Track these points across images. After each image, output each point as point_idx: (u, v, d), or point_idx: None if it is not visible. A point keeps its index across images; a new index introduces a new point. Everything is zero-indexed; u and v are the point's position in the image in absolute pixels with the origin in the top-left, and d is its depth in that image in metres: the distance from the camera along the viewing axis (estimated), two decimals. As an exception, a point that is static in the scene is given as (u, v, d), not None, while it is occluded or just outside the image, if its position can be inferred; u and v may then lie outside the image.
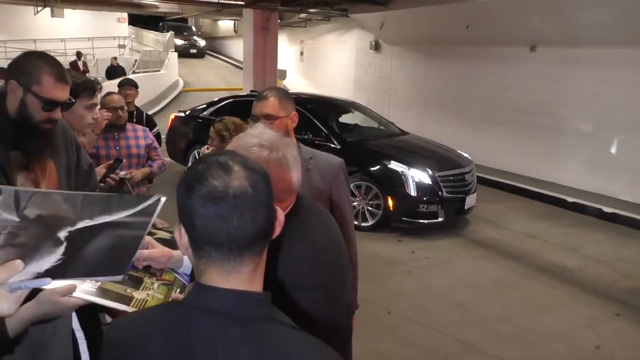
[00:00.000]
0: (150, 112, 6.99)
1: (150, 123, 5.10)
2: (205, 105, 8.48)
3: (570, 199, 7.69)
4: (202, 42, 29.02)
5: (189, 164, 3.90)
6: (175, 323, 0.94)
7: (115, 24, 21.77)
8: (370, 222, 6.27)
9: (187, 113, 8.58)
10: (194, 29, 30.69)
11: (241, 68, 15.32)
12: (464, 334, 4.00)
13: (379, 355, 3.67)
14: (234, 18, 21.87)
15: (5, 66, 1.96)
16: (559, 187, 8.24)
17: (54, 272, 0.93)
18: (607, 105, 7.79)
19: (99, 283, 1.30)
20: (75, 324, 2.11)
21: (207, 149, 3.44)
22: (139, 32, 25.87)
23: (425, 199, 6.09)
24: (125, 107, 3.79)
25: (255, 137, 1.34)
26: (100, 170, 2.99)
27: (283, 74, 14.54)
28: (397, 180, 6.13)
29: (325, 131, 6.79)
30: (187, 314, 0.94)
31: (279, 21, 12.91)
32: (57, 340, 1.87)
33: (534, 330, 4.12)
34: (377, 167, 6.33)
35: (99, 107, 2.61)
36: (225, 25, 29.92)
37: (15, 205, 0.91)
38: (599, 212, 7.28)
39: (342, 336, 1.48)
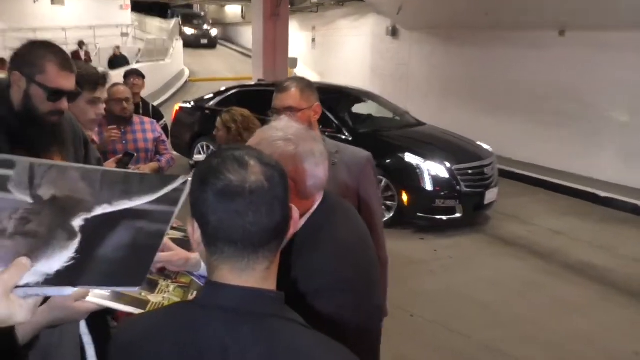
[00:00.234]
0: (155, 104, 6.98)
1: (157, 115, 5.10)
2: (211, 95, 8.48)
3: (602, 194, 7.57)
4: (213, 31, 28.64)
5: (195, 158, 3.88)
6: (184, 322, 0.95)
7: (117, 12, 21.85)
8: (385, 217, 6.24)
9: (192, 104, 8.59)
10: (205, 16, 30.39)
11: (250, 56, 15.31)
12: (490, 337, 3.97)
13: (400, 360, 3.64)
14: (241, 3, 21.87)
15: (5, 56, 1.94)
16: (588, 180, 8.12)
17: (64, 276, 0.86)
18: (641, 92, 7.66)
19: None
20: (83, 327, 2.11)
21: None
22: (142, 20, 25.90)
23: (442, 193, 6.05)
24: (131, 99, 3.78)
25: (280, 131, 1.34)
26: (110, 165, 2.97)
27: (294, 62, 14.51)
28: (412, 174, 6.08)
29: (336, 122, 6.73)
30: (197, 312, 0.96)
31: (289, 6, 12.84)
32: (64, 345, 1.86)
33: (563, 333, 4.07)
34: (391, 159, 6.28)
35: (103, 102, 2.52)
36: (233, 11, 29.91)
37: (29, 182, 0.88)
38: (633, 207, 7.17)
39: (370, 343, 1.46)
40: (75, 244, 0.87)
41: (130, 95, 3.76)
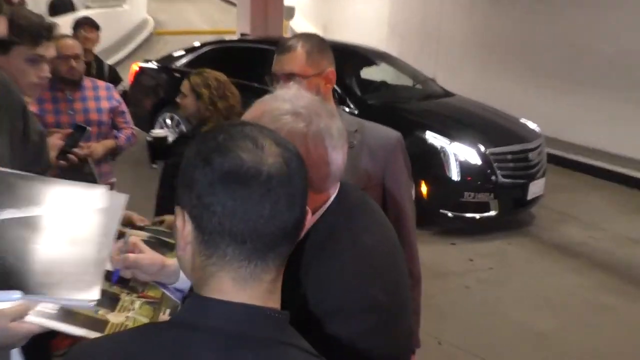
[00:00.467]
0: (110, 63, 6.96)
1: (114, 77, 5.13)
2: (183, 52, 8.54)
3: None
4: None
5: (152, 132, 3.87)
6: (160, 350, 0.94)
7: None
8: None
9: (155, 63, 8.64)
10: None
11: (233, 4, 15.25)
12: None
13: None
14: None
15: None
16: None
17: None
18: None
19: None
20: (16, 355, 2.09)
21: None
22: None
23: (472, 184, 6.06)
24: (82, 57, 3.75)
25: (288, 102, 1.33)
26: (55, 141, 2.95)
27: (290, 12, 14.48)
28: (434, 159, 6.08)
29: (339, 90, 6.65)
30: (179, 336, 0.94)
31: (286, -62, 12.78)
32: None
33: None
34: (408, 140, 6.23)
35: (48, 62, 2.45)
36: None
37: None
38: None
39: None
40: None
41: (81, 51, 3.74)
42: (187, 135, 3.57)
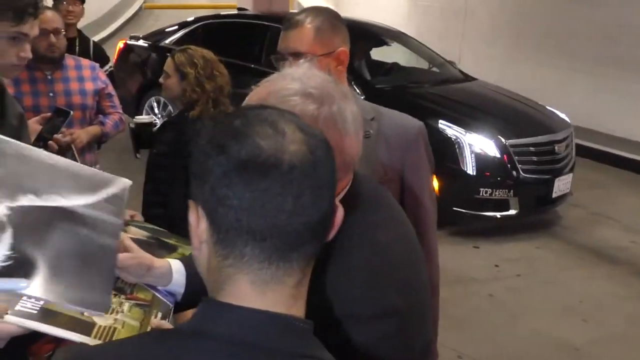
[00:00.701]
0: (95, 39, 6.96)
1: (100, 56, 5.13)
2: (176, 27, 8.59)
3: None
4: None
5: (136, 119, 3.89)
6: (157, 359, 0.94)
7: None
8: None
9: (143, 39, 8.68)
10: None
11: (233, -25, 15.21)
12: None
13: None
14: None
15: None
16: None
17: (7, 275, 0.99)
18: None
19: (41, 302, 1.28)
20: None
21: None
22: None
23: (489, 180, 6.08)
24: (63, 31, 3.76)
25: (297, 81, 1.32)
26: (34, 126, 2.97)
27: (298, -15, 14.46)
28: (448, 150, 6.08)
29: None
30: (190, 346, 0.93)
31: None
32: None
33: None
34: None
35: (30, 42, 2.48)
36: None
37: None
38: None
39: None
40: (7, 238, 0.95)
41: (62, 25, 3.75)
42: (173, 121, 3.57)
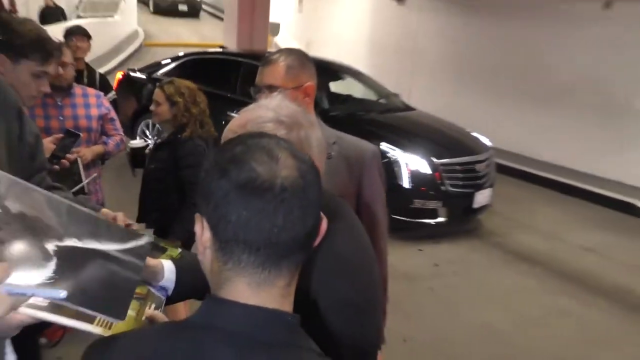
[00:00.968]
0: (101, 71, 6.92)
1: (104, 86, 5.08)
2: (169, 60, 8.58)
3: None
4: None
5: (131, 144, 3.94)
6: (177, 350, 0.94)
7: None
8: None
9: (139, 71, 8.66)
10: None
11: (220, 19, 15.20)
12: (500, 372, 4.04)
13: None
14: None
15: None
16: (625, 187, 8.23)
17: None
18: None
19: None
20: (8, 347, 2.10)
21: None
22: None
23: (422, 192, 6.17)
24: (72, 64, 3.71)
25: (272, 110, 1.34)
26: (48, 145, 2.94)
27: (276, 29, 14.50)
28: (388, 168, 6.09)
29: None
30: (199, 337, 0.95)
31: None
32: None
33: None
34: None
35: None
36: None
37: None
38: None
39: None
40: (52, 265, 1.01)
41: (72, 59, 3.72)
42: (167, 141, 3.62)
